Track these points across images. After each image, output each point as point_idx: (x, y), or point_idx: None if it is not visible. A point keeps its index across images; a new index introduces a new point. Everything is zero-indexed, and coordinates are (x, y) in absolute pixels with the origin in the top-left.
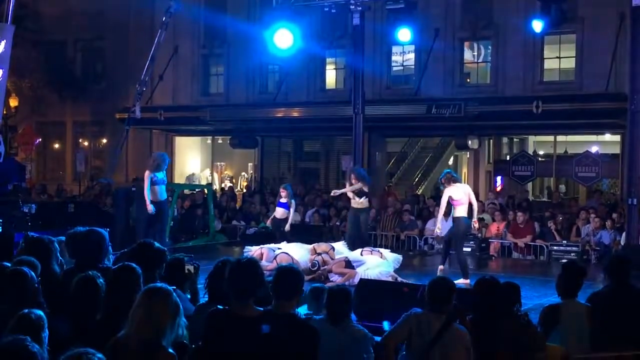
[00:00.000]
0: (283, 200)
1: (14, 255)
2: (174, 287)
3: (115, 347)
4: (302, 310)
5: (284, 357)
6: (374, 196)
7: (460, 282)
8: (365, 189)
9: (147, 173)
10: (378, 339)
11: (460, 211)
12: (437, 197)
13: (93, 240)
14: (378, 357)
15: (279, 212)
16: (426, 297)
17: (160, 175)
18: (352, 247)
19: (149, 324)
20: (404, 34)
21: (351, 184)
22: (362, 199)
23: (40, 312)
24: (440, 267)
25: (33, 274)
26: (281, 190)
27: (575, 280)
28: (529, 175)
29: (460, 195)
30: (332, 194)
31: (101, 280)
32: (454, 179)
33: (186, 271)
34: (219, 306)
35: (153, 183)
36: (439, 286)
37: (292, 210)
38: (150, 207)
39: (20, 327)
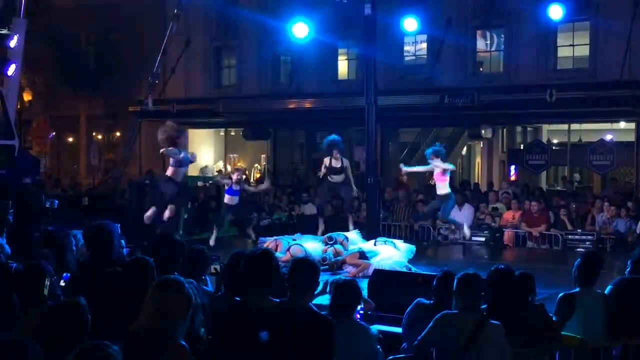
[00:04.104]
0: (235, 187)
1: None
2: (192, 280)
3: (128, 339)
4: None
5: (301, 349)
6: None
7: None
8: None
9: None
10: (387, 329)
11: (445, 187)
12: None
13: (104, 233)
14: None
15: (227, 198)
16: (456, 296)
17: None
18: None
19: (161, 316)
20: (410, 23)
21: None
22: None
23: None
24: None
25: (50, 267)
26: (236, 174)
27: (594, 269)
28: (543, 164)
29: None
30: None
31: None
32: (442, 156)
33: (213, 271)
34: (236, 298)
35: (179, 163)
36: (470, 281)
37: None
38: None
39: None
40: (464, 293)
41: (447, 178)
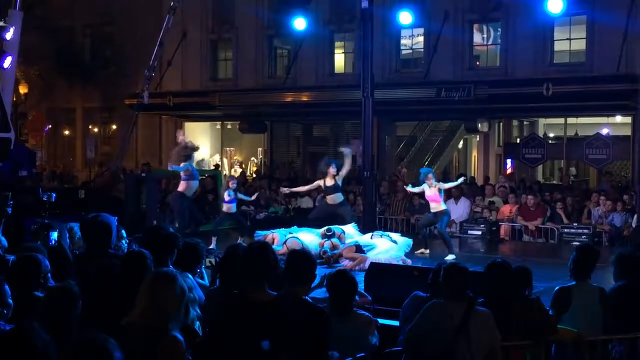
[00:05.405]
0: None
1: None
2: (187, 273)
3: (121, 333)
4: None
5: (298, 342)
6: (385, 180)
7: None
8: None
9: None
10: (384, 322)
11: (441, 205)
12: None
13: (100, 226)
14: (406, 353)
15: (225, 207)
16: (443, 285)
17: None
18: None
19: (154, 309)
20: (405, 16)
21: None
22: (335, 195)
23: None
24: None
25: (46, 260)
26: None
27: (589, 263)
28: (540, 158)
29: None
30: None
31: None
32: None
33: (208, 264)
34: (234, 291)
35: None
36: (456, 272)
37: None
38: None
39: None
40: (450, 282)
41: (441, 197)
